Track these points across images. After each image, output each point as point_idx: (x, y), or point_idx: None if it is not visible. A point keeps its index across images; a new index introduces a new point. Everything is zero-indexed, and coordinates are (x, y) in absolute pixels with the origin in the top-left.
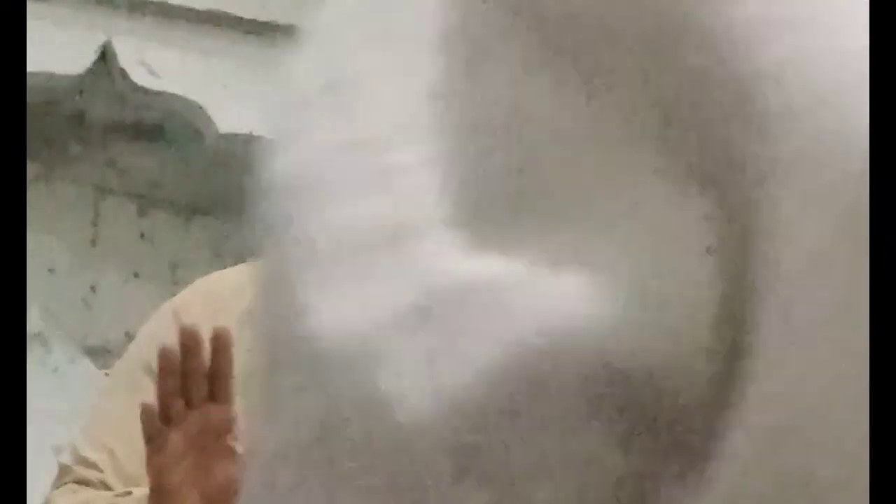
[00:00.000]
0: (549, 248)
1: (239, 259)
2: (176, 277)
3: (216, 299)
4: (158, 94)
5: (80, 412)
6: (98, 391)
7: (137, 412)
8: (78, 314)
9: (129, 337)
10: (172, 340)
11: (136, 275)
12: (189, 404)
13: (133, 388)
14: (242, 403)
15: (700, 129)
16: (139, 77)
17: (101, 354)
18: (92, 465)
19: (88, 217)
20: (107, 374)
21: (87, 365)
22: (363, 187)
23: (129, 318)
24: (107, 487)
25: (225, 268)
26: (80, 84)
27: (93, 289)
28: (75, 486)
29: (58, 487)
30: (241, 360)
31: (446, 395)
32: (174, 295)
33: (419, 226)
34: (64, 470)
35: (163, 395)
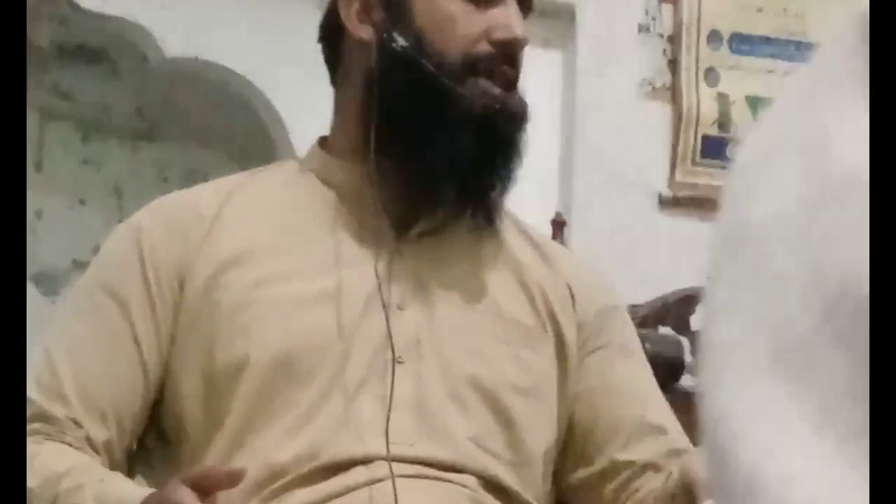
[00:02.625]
0: None
1: (185, 184)
2: (121, 203)
3: (176, 223)
4: (103, 17)
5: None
6: (57, 319)
7: (102, 334)
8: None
9: (76, 263)
10: (131, 262)
11: (81, 201)
12: None
13: (95, 310)
14: None
15: None
16: (84, 0)
17: (47, 281)
18: (58, 398)
19: (33, 142)
20: (57, 303)
21: (32, 292)
22: None
23: (75, 244)
24: (76, 423)
25: (170, 192)
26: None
27: (37, 214)
28: (41, 438)
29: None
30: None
31: None
32: (120, 221)
33: None
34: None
35: None
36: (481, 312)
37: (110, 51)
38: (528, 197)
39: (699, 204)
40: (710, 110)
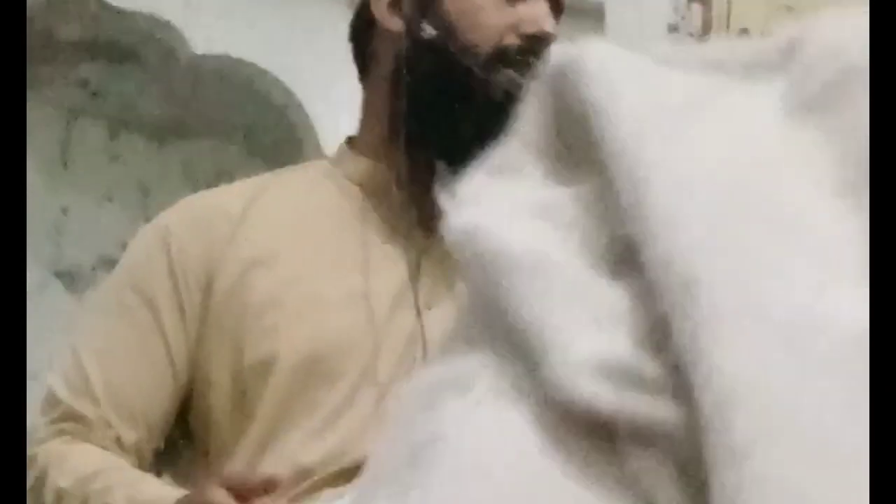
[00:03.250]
0: None
1: (212, 182)
2: (148, 201)
3: (204, 224)
4: (132, 14)
5: (50, 336)
6: (85, 318)
7: (131, 334)
8: (49, 238)
9: (102, 260)
10: (159, 262)
11: (108, 198)
12: None
13: (123, 310)
14: None
15: None
16: None
17: (73, 278)
18: (87, 398)
19: (60, 139)
20: (83, 300)
21: (58, 288)
22: None
23: (101, 241)
24: (106, 423)
25: (197, 191)
26: (52, 3)
27: (64, 212)
28: (69, 438)
29: (49, 424)
30: (228, 276)
31: None
32: (146, 219)
33: None
34: (51, 401)
35: None
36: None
37: (138, 48)
38: None
39: None
40: None
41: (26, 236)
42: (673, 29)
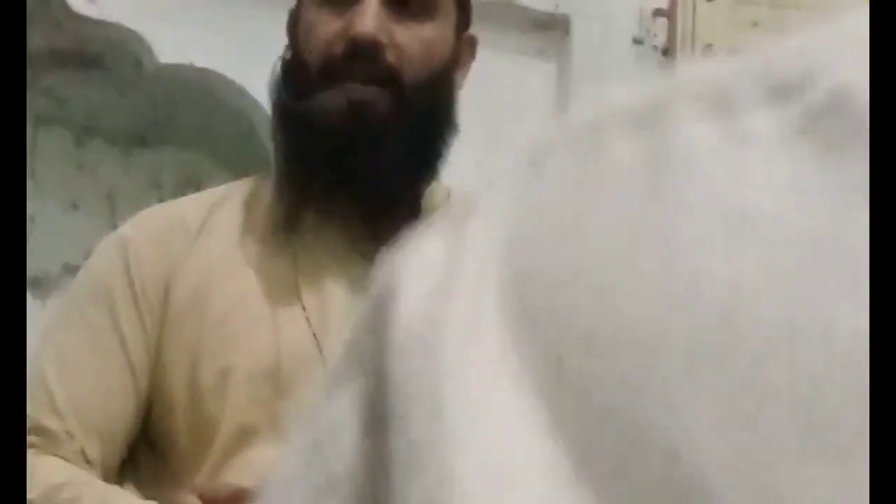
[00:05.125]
0: None
1: (178, 190)
2: (114, 208)
3: (161, 236)
4: (98, 22)
5: None
6: (46, 331)
7: (92, 345)
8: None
9: (68, 268)
10: (119, 274)
11: (74, 206)
12: None
13: (84, 321)
14: None
15: None
16: (78, 5)
17: (40, 285)
18: (51, 411)
19: (27, 147)
20: (52, 312)
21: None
22: None
23: (67, 249)
24: (70, 436)
25: (163, 199)
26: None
27: (30, 219)
28: (35, 451)
29: None
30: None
31: None
32: (113, 226)
33: None
34: None
35: None
36: None
37: (105, 57)
38: None
39: None
40: None
41: (26, 240)
42: (638, 42)
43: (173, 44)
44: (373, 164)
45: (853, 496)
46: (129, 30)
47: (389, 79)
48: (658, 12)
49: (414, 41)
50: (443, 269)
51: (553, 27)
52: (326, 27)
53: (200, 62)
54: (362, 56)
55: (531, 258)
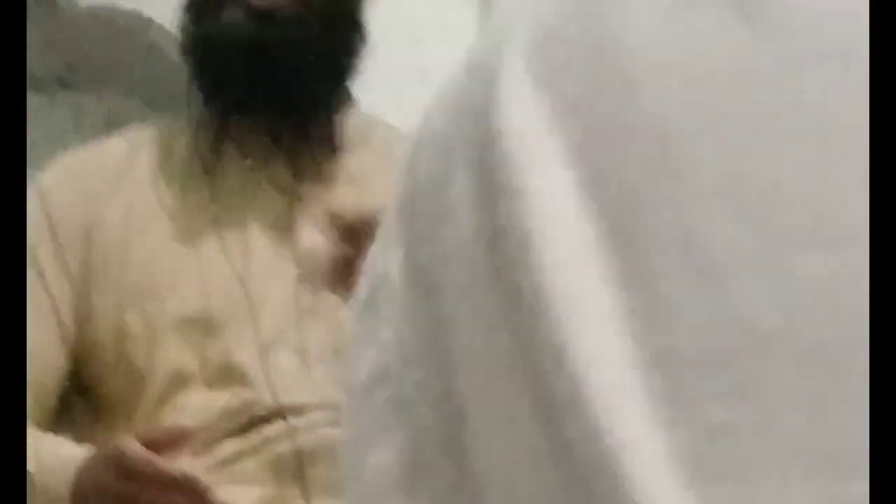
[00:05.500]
0: None
1: (102, 133)
2: (38, 153)
3: (81, 182)
4: None
5: None
6: None
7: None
8: None
9: None
10: (40, 223)
11: None
12: None
13: None
14: None
15: None
16: None
17: None
18: None
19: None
20: None
21: None
22: None
23: None
24: None
25: (87, 141)
26: None
27: None
28: None
29: None
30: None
31: None
32: (34, 170)
33: None
34: None
35: None
36: None
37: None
38: None
39: None
40: None
41: (26, 232)
42: None
43: None
44: (283, 75)
45: (853, 279)
46: None
47: (266, 7)
48: None
49: None
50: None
51: None
52: None
53: (123, 2)
54: None
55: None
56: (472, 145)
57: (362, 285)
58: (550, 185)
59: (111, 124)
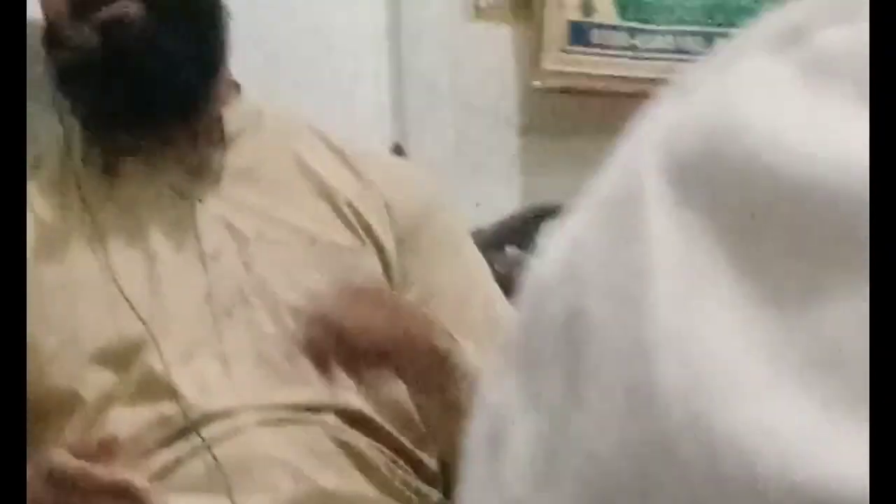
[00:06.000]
0: None
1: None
2: None
3: None
4: None
5: None
6: None
7: None
8: None
9: None
10: None
11: None
12: None
13: None
14: None
15: None
16: None
17: None
18: None
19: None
20: None
21: None
22: None
23: None
24: None
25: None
26: None
27: None
28: None
29: None
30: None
31: None
32: None
33: None
34: None
35: None
36: (296, 243)
37: None
38: (362, 126)
39: (575, 93)
40: None
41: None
42: None
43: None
44: (151, 80)
45: None
46: None
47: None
48: None
49: None
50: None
51: None
52: None
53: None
54: None
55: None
56: (611, 280)
57: (479, 423)
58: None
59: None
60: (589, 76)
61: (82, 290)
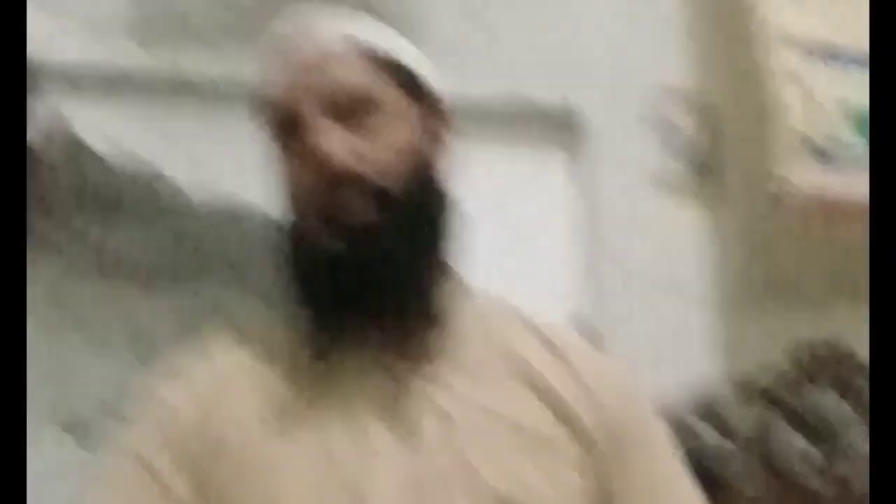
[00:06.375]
0: None
1: (205, 323)
2: (140, 346)
3: (203, 395)
4: (124, 163)
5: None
6: (89, 490)
7: None
8: (46, 386)
9: (104, 408)
10: (158, 434)
11: (104, 344)
12: None
13: (129, 488)
14: None
15: None
16: (98, 146)
17: (79, 429)
18: None
19: (57, 286)
20: (93, 453)
21: (68, 441)
22: None
23: (102, 389)
24: None
25: (188, 337)
26: (44, 152)
27: (61, 360)
28: None
29: None
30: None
31: None
32: (141, 364)
33: None
34: None
35: None
36: (505, 431)
37: (127, 194)
38: (548, 300)
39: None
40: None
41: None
42: (649, 126)
43: (199, 179)
44: (379, 276)
45: None
46: (150, 166)
47: (368, 189)
48: (668, 93)
49: (375, 143)
50: None
51: (562, 117)
52: (296, 169)
53: (226, 195)
54: (335, 181)
55: None
56: None
57: None
58: None
59: (215, 315)
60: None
61: (292, 467)
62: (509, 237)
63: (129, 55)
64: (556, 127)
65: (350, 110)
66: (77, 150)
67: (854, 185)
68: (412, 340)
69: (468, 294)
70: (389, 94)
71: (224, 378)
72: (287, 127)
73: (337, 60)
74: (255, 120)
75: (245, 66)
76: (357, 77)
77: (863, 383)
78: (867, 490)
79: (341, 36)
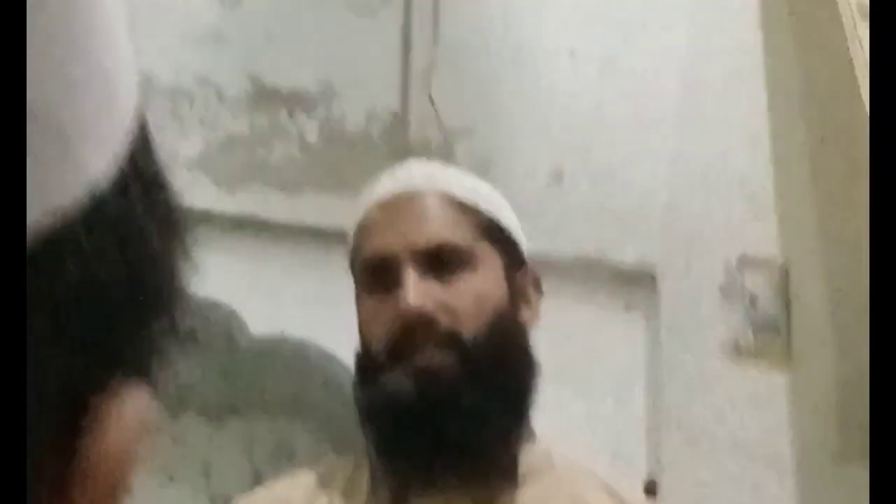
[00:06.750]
0: None
1: (271, 459)
2: (209, 480)
3: None
4: (189, 297)
5: None
6: None
7: None
8: None
9: None
10: None
11: (170, 478)
12: None
13: None
14: None
15: None
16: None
17: None
18: None
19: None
20: None
21: None
22: None
23: None
24: None
25: (256, 469)
26: None
27: (129, 495)
28: None
29: None
30: None
31: None
32: (209, 497)
33: None
34: None
35: None
36: None
37: (197, 330)
38: (616, 459)
39: None
40: None
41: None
42: (725, 292)
43: (265, 316)
44: (457, 430)
45: None
46: (221, 304)
47: (450, 341)
48: (744, 261)
49: (462, 296)
50: None
51: (639, 280)
52: (379, 314)
53: (292, 333)
54: (418, 330)
55: None
56: None
57: None
58: None
59: (280, 451)
60: None
61: None
62: (580, 398)
63: (206, 195)
64: (631, 288)
65: (441, 264)
66: None
67: None
68: (488, 491)
69: (550, 456)
70: (481, 249)
71: None
72: (378, 273)
73: (435, 215)
74: (330, 260)
75: (319, 212)
76: (452, 234)
77: None
78: None
79: (440, 190)
